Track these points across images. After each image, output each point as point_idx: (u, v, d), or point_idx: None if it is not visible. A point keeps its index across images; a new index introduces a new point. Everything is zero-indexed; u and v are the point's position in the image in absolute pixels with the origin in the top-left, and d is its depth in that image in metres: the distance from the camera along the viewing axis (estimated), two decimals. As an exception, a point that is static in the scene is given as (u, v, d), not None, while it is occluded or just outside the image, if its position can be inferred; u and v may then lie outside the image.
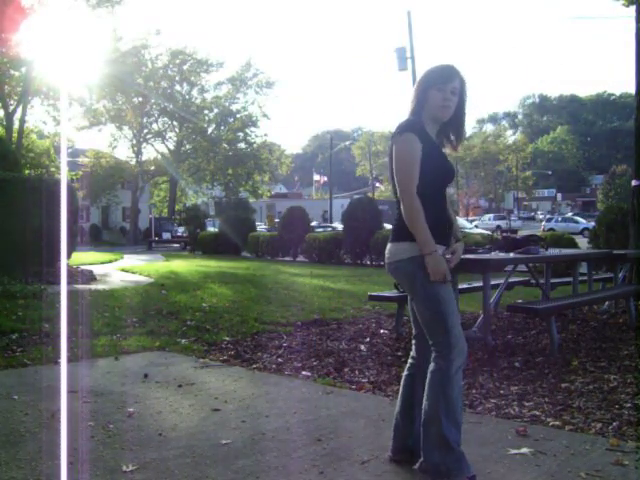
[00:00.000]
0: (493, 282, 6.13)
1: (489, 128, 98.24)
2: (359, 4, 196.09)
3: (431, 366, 2.58)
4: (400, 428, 2.75)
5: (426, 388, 2.58)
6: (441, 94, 2.61)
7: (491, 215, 52.83)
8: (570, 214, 52.50)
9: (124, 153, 49.96)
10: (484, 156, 68.16)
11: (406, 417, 2.72)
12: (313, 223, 26.64)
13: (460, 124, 2.73)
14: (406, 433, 2.73)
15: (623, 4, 8.66)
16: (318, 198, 70.97)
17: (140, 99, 38.77)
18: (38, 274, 9.04)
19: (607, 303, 7.32)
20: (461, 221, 23.83)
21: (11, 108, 24.29)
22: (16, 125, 23.96)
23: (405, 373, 2.80)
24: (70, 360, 4.60)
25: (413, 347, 2.80)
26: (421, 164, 2.56)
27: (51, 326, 5.69)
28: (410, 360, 2.80)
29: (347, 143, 78.11)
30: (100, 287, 9.48)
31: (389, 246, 2.67)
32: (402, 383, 2.81)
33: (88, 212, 42.82)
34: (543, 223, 45.03)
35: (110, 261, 16.96)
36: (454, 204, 20.31)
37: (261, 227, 36.27)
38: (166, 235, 33.77)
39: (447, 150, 2.82)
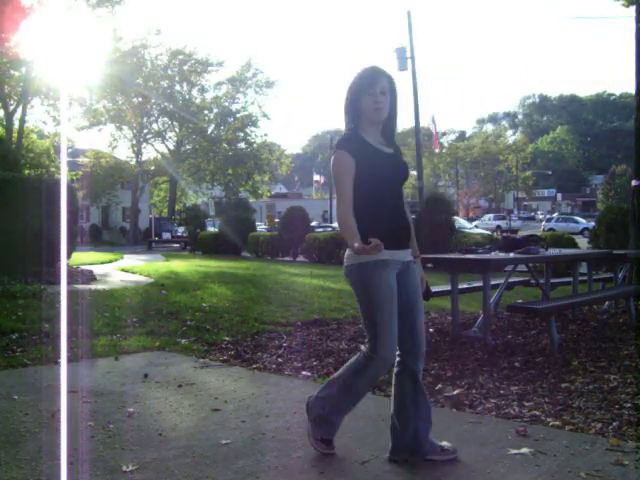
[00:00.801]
0: (493, 282, 6.13)
1: (489, 128, 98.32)
2: (359, 4, 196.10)
3: (360, 352, 2.81)
4: (396, 428, 2.78)
5: (349, 361, 2.84)
6: (371, 97, 2.72)
7: (491, 215, 52.84)
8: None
9: (124, 153, 50.11)
10: (484, 156, 68.14)
11: (401, 416, 2.77)
12: (313, 223, 26.64)
13: (392, 121, 2.83)
14: (403, 432, 2.77)
15: (623, 4, 8.66)
16: (318, 198, 70.96)
17: (140, 99, 38.76)
18: (38, 274, 9.04)
19: (607, 303, 7.32)
20: (461, 221, 23.81)
21: (11, 108, 24.29)
22: (16, 125, 23.97)
23: (394, 372, 2.84)
24: (70, 360, 4.60)
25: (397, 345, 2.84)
26: (362, 175, 2.68)
27: (51, 326, 5.69)
28: (397, 358, 2.82)
29: (347, 143, 77.94)
30: (100, 287, 9.48)
31: (346, 252, 2.78)
32: (393, 382, 2.84)
33: (88, 212, 42.82)
34: (543, 223, 45.03)
35: (110, 261, 16.96)
36: (453, 204, 20.24)
37: (261, 227, 36.22)
38: (166, 235, 33.78)
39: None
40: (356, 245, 2.53)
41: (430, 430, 2.79)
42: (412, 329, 2.76)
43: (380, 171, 2.71)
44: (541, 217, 57.97)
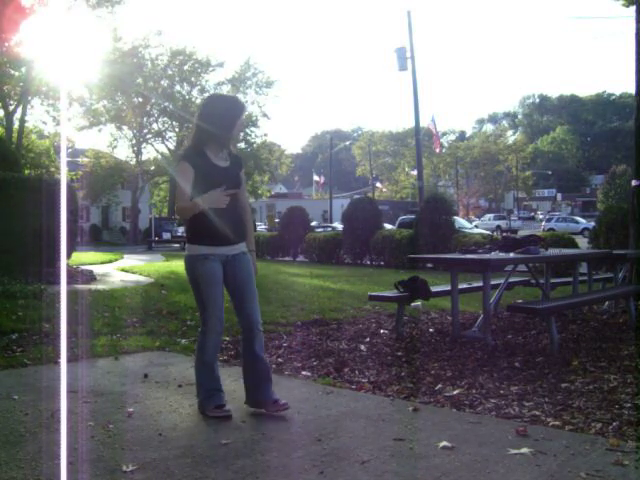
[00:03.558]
0: (493, 282, 6.13)
1: (489, 128, 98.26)
2: (359, 4, 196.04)
3: (199, 333, 3.55)
4: (245, 385, 3.53)
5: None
6: (241, 123, 3.52)
7: (491, 215, 52.85)
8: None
9: (124, 153, 50.02)
10: (484, 156, 68.08)
11: (245, 377, 3.52)
12: (313, 223, 26.60)
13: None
14: (246, 388, 3.51)
15: (623, 4, 8.67)
16: (318, 198, 70.94)
17: (140, 99, 38.76)
18: (38, 274, 9.03)
19: (607, 303, 7.32)
20: (461, 221, 23.80)
21: (11, 108, 24.30)
22: (16, 125, 23.97)
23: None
24: (70, 360, 4.60)
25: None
26: (199, 181, 3.33)
27: (51, 326, 5.69)
28: (240, 336, 3.63)
29: (347, 143, 78.05)
30: (100, 287, 9.47)
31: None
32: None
33: (88, 212, 42.83)
34: (543, 223, 45.04)
35: (110, 261, 16.95)
36: (453, 204, 20.54)
37: (261, 227, 36.16)
38: (166, 235, 33.78)
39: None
40: (200, 200, 3.26)
41: (267, 388, 3.44)
42: (242, 310, 3.44)
43: (212, 182, 3.33)
44: (541, 217, 57.95)
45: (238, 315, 3.50)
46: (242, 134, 41.87)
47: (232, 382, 4.14)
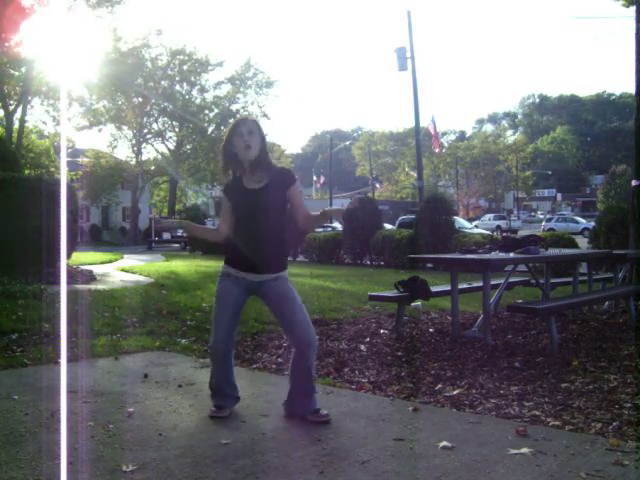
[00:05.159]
0: (493, 282, 6.13)
1: (489, 128, 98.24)
2: (359, 4, 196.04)
3: None
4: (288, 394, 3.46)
5: None
6: (240, 138, 3.25)
7: (491, 215, 52.85)
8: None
9: (124, 153, 50.01)
10: (484, 156, 68.05)
11: (289, 385, 3.47)
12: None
13: (265, 154, 3.35)
14: (289, 398, 3.44)
15: (623, 4, 8.67)
16: (318, 198, 70.93)
17: (140, 99, 38.75)
18: (38, 274, 9.02)
19: (607, 303, 7.32)
20: (461, 221, 23.82)
21: (11, 108, 24.31)
22: (16, 125, 23.98)
23: None
24: (70, 360, 4.60)
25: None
26: (234, 207, 3.36)
27: (51, 326, 5.68)
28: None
29: (347, 143, 78.00)
30: (100, 287, 9.47)
31: None
32: None
33: (88, 212, 42.80)
34: (543, 223, 45.05)
35: (110, 261, 16.95)
36: (453, 204, 20.56)
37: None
38: (166, 235, 33.75)
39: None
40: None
41: (308, 397, 3.34)
42: (290, 329, 3.32)
43: (240, 206, 3.33)
44: (541, 217, 57.99)
45: (288, 335, 3.49)
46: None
47: (232, 382, 4.14)
